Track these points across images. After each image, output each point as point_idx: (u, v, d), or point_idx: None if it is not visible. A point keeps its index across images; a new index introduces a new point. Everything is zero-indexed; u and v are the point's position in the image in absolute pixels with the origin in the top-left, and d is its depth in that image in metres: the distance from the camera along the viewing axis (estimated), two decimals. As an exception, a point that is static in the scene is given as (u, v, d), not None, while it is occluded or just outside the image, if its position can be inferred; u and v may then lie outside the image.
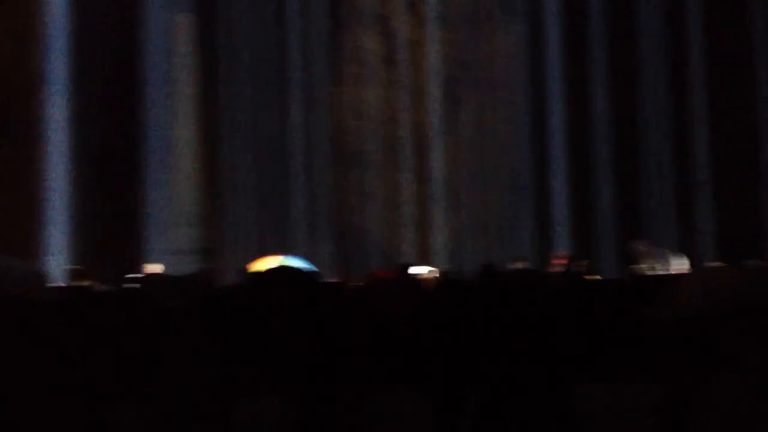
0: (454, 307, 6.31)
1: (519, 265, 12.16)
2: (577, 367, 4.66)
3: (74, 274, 10.08)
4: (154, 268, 15.41)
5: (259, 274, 6.19)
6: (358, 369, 4.42)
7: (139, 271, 15.61)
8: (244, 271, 12.67)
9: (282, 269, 4.84)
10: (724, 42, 20.07)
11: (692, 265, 14.23)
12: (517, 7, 22.41)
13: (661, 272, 12.45)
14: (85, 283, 9.72)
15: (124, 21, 20.80)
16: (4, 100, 18.97)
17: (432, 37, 22.77)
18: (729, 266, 3.56)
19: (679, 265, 13.54)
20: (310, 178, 22.24)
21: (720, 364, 2.80)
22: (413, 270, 11.79)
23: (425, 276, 12.25)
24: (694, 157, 20.26)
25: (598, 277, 12.45)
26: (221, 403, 4.15)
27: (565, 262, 13.03)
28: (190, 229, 20.77)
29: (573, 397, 4.58)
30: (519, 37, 22.16)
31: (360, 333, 4.58)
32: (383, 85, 22.88)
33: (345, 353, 4.39)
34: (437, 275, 12.79)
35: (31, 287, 2.99)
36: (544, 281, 6.20)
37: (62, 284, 10.69)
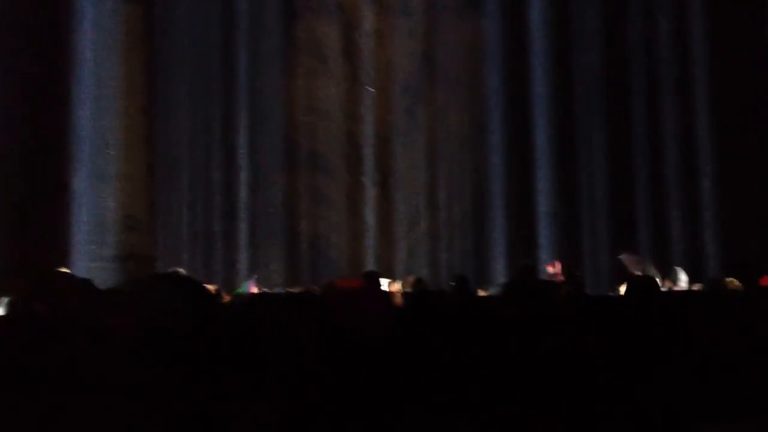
0: (439, 326, 5.52)
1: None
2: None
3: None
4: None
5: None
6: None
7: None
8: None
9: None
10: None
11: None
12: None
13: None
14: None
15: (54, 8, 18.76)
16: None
17: (396, 28, 21.07)
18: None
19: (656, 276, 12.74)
20: (259, 180, 20.50)
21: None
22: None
23: (392, 289, 10.77)
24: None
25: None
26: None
27: (557, 271, 12.30)
28: (125, 234, 18.93)
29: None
30: (489, 30, 20.56)
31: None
32: (340, 79, 21.11)
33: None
34: (406, 287, 11.24)
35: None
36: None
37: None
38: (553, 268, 13.37)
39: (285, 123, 20.98)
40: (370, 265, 18.07)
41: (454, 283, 9.54)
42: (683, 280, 13.61)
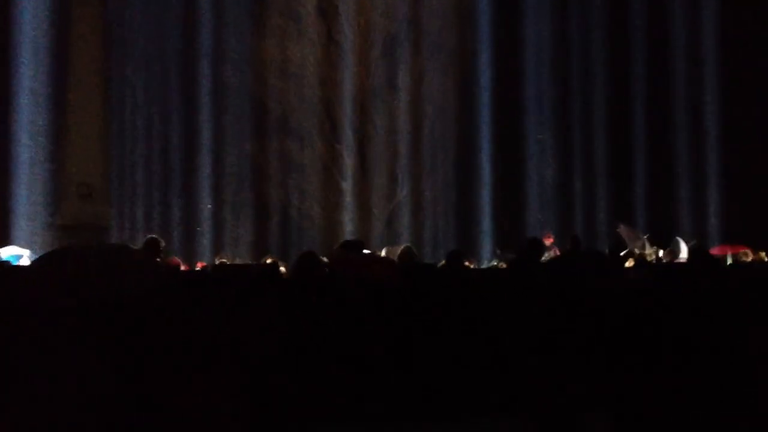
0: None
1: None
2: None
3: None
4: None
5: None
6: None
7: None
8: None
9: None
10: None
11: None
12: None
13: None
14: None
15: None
16: None
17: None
18: None
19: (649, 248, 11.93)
20: (227, 146, 19.10)
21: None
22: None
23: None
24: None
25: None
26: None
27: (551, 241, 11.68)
28: (81, 203, 17.55)
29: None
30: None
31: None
32: (314, 40, 19.65)
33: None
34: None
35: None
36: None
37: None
38: (549, 240, 12.21)
39: (253, 86, 19.52)
40: (345, 235, 16.68)
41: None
42: (684, 251, 12.52)
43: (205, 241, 17.69)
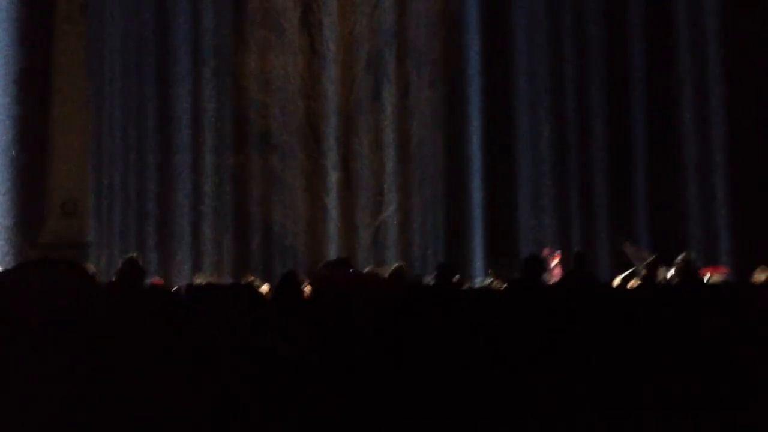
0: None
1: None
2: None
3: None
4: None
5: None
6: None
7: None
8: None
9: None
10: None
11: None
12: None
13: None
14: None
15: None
16: None
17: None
18: None
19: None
20: (208, 161, 18.56)
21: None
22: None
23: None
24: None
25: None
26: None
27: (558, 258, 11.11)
28: (64, 220, 17.72)
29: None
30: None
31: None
32: (298, 53, 19.13)
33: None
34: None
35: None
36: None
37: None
38: (555, 258, 11.55)
39: (235, 99, 18.99)
40: (329, 253, 16.09)
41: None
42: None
43: (184, 259, 17.09)
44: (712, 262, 13.24)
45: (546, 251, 12.13)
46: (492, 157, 17.66)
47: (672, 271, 10.62)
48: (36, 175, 18.02)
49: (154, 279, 10.06)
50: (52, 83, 18.24)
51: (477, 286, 12.10)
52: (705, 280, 10.59)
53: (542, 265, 6.94)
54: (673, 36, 17.29)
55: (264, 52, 19.29)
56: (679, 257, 11.00)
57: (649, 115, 17.20)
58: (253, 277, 9.90)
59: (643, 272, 10.24)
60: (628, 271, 10.95)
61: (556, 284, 7.34)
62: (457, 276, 8.17)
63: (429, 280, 9.57)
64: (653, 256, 12.22)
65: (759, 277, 9.73)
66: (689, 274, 8.17)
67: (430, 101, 19.06)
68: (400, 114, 18.88)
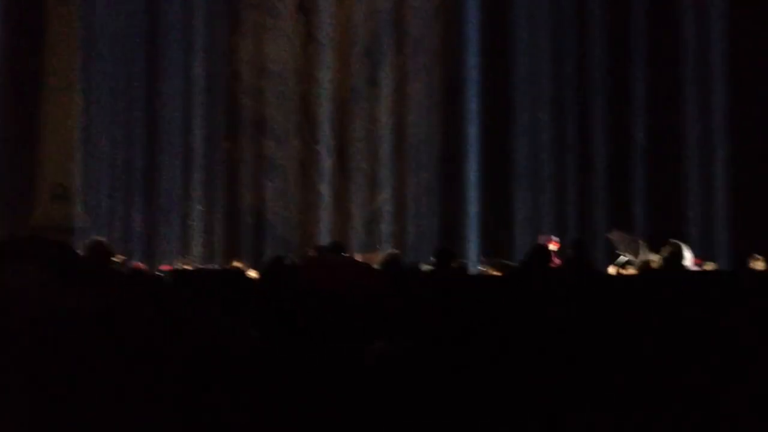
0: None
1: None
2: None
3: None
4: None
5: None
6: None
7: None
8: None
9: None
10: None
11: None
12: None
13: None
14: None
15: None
16: None
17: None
18: None
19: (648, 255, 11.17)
20: (202, 146, 18.27)
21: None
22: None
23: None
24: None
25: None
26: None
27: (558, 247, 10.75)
28: (54, 204, 17.64)
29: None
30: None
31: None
32: (293, 37, 18.87)
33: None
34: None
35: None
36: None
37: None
38: (554, 245, 11.31)
39: (229, 83, 18.73)
40: (323, 239, 15.87)
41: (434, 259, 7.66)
42: (688, 258, 11.75)
43: (173, 244, 16.88)
44: (709, 254, 13.04)
45: (543, 238, 11.92)
46: (489, 145, 17.40)
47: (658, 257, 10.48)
48: (26, 159, 17.91)
49: (135, 263, 9.86)
50: (44, 66, 18.07)
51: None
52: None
53: (547, 255, 6.75)
54: (677, 31, 17.01)
55: (259, 36, 19.03)
56: (669, 247, 10.83)
57: (651, 105, 16.94)
58: (240, 264, 9.68)
59: (639, 261, 10.08)
60: (624, 260, 10.78)
61: (554, 271, 7.13)
62: (457, 261, 7.99)
63: (426, 266, 9.39)
64: (643, 242, 12.06)
65: (756, 265, 9.62)
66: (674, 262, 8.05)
67: (427, 87, 18.82)
68: (396, 100, 18.64)
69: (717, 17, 16.67)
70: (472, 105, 17.58)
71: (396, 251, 9.20)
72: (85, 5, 17.96)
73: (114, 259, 5.65)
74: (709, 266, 10.04)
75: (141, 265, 9.67)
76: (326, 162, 18.39)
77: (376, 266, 9.02)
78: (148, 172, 17.70)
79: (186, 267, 10.67)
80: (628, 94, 16.93)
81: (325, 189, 18.06)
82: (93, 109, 18.02)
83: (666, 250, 10.23)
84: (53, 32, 18.12)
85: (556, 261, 10.61)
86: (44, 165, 17.98)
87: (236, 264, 9.60)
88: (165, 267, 11.08)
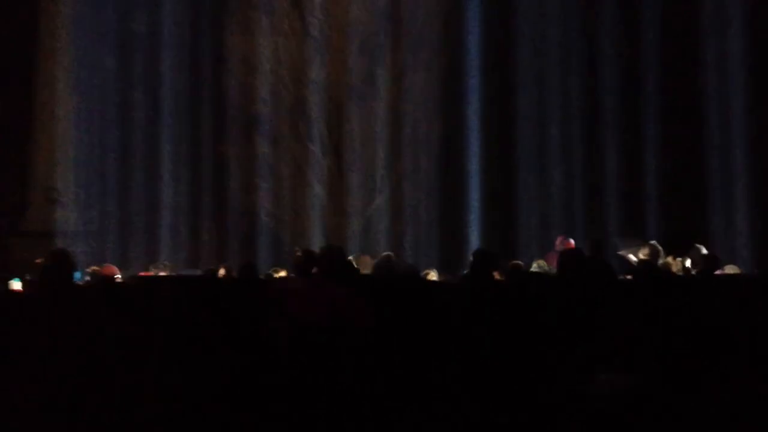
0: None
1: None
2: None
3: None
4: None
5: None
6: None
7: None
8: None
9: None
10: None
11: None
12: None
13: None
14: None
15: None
16: None
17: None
18: None
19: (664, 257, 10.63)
20: (193, 147, 17.95)
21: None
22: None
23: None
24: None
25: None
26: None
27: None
28: (49, 208, 17.53)
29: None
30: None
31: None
32: (289, 35, 18.32)
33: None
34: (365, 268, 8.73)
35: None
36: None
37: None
38: (566, 247, 10.73)
39: (223, 82, 18.22)
40: (319, 242, 15.36)
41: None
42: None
43: (164, 248, 16.43)
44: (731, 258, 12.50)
45: (559, 240, 11.37)
46: (491, 145, 16.92)
47: (688, 262, 9.95)
48: (18, 162, 17.74)
49: (105, 266, 9.36)
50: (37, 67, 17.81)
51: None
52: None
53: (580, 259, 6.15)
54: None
55: (253, 33, 18.54)
56: (700, 250, 10.29)
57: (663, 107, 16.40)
58: (225, 268, 9.12)
59: (661, 262, 9.57)
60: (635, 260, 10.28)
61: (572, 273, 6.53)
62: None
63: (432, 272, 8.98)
64: (652, 241, 11.53)
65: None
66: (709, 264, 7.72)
67: (426, 86, 18.32)
68: (394, 99, 18.16)
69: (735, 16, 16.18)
70: (474, 104, 17.09)
71: (389, 254, 8.71)
72: (76, 10, 17.57)
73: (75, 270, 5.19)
74: (732, 270, 9.49)
75: (112, 268, 9.17)
76: (322, 162, 17.92)
77: (367, 271, 8.55)
78: (143, 175, 17.36)
79: (161, 273, 10.20)
80: (639, 87, 16.41)
81: (321, 190, 17.60)
82: (85, 111, 17.78)
83: (695, 254, 9.75)
84: (45, 34, 17.80)
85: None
86: (37, 168, 17.83)
87: (223, 269, 9.06)
88: (143, 273, 10.57)
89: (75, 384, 4.42)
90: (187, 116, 17.90)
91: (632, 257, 11.08)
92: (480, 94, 17.35)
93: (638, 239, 12.48)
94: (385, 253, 9.13)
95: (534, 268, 9.86)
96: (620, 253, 11.58)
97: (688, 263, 10.03)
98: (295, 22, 18.63)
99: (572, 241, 11.09)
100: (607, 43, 16.72)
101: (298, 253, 6.04)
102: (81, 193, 17.59)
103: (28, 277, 8.94)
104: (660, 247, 11.15)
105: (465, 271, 7.32)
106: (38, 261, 8.92)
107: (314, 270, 5.62)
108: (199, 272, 10.00)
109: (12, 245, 16.77)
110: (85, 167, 17.61)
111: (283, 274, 8.58)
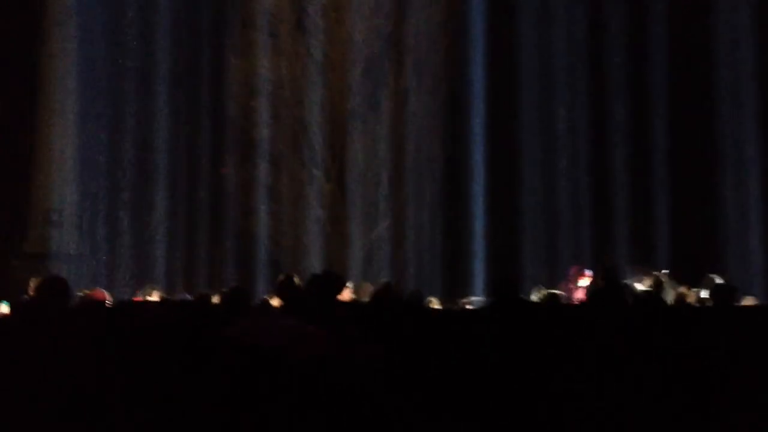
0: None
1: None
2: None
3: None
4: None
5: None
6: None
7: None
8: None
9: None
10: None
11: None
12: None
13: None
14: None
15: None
16: None
17: (357, 2, 18.23)
18: None
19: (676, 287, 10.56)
20: (194, 170, 17.75)
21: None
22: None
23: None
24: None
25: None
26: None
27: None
28: (50, 230, 17.23)
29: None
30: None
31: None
32: (292, 57, 18.13)
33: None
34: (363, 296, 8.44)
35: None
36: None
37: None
38: (582, 277, 10.35)
39: (224, 104, 18.01)
40: (320, 268, 15.03)
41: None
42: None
43: (161, 273, 16.14)
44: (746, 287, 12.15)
45: (573, 269, 10.98)
46: (495, 169, 16.67)
47: (703, 293, 9.61)
48: (19, 184, 17.48)
49: (95, 290, 9.11)
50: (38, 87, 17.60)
51: (477, 306, 11.01)
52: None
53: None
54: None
55: (256, 55, 18.38)
56: (713, 279, 9.96)
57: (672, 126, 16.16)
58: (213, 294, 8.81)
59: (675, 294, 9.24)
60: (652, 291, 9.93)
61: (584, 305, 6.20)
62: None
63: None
64: (654, 275, 11.21)
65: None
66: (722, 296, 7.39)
67: (430, 109, 18.15)
68: (397, 122, 17.95)
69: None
70: (478, 127, 16.88)
71: (388, 281, 8.42)
72: (82, 25, 17.41)
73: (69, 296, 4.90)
74: (750, 301, 9.16)
75: (102, 293, 8.92)
76: (325, 187, 17.67)
77: (366, 299, 8.26)
78: (142, 198, 17.11)
79: (149, 297, 9.94)
80: (647, 107, 16.19)
81: (323, 215, 17.34)
82: (87, 134, 17.56)
83: (709, 284, 9.41)
84: (49, 53, 17.61)
85: (579, 296, 9.70)
86: (38, 190, 17.61)
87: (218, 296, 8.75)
88: (136, 298, 10.28)
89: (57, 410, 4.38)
90: (188, 137, 17.70)
91: (638, 286, 10.77)
92: (484, 119, 17.13)
93: (647, 267, 12.18)
94: (384, 281, 8.86)
95: (533, 297, 9.49)
96: (626, 281, 11.25)
97: (704, 293, 9.70)
98: (299, 45, 18.49)
99: (588, 272, 10.70)
100: (614, 70, 16.56)
101: (281, 278, 5.73)
102: (79, 215, 17.37)
103: (19, 299, 8.65)
104: (664, 279, 10.87)
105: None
106: (32, 284, 8.75)
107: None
108: (189, 297, 9.68)
109: (12, 267, 16.64)
110: (82, 189, 17.45)
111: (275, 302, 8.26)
